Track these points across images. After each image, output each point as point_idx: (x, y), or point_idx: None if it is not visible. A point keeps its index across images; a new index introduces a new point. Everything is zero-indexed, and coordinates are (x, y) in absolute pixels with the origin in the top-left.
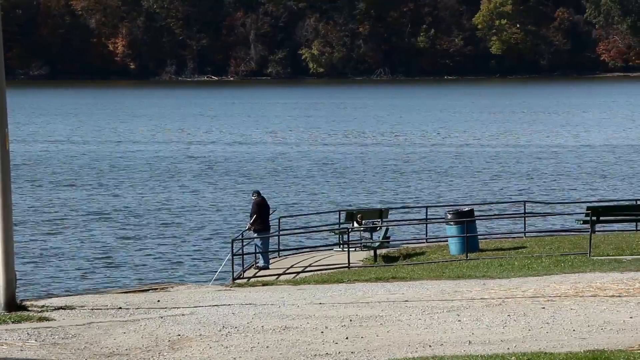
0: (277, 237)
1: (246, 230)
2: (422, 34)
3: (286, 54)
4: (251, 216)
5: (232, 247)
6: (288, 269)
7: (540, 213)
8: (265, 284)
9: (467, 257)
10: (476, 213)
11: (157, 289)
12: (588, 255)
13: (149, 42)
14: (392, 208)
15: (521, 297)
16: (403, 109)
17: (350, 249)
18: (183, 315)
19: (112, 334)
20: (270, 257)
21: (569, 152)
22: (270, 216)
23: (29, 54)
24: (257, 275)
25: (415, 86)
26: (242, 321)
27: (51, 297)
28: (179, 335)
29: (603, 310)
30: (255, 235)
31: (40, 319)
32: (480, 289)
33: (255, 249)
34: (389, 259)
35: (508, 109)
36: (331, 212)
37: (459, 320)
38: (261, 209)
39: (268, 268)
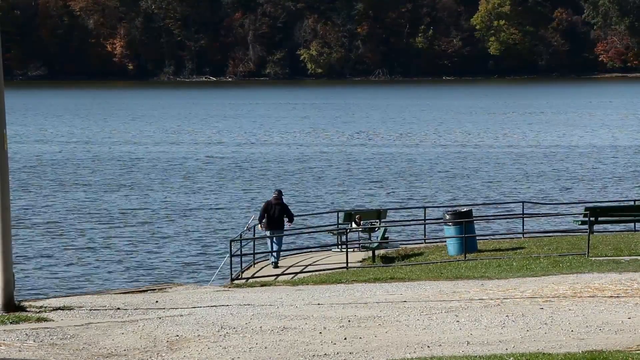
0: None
1: (258, 228)
2: (420, 35)
3: (284, 55)
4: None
5: (231, 247)
6: (286, 269)
7: (539, 214)
8: (263, 284)
9: (465, 257)
10: (474, 213)
11: (155, 289)
12: (586, 255)
13: (148, 42)
14: (390, 208)
15: (519, 297)
16: (401, 109)
17: (349, 250)
18: (181, 315)
19: (110, 334)
20: (269, 257)
21: (567, 152)
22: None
23: (27, 54)
24: (255, 275)
25: (414, 87)
26: (240, 322)
27: (49, 298)
28: (178, 335)
29: (601, 311)
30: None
31: (39, 320)
32: (478, 290)
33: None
34: (387, 260)
35: (506, 110)
36: (329, 212)
37: (458, 321)
38: (266, 209)
39: (276, 266)
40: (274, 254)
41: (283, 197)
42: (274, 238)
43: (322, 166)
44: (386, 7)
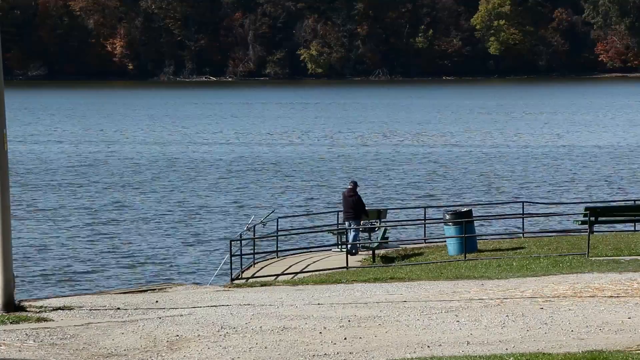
0: (275, 237)
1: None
2: (420, 35)
3: (284, 55)
4: None
5: (231, 247)
6: (286, 269)
7: (539, 213)
8: (263, 284)
9: (465, 257)
10: (475, 213)
11: (155, 289)
12: (586, 255)
13: (147, 42)
14: (390, 208)
15: (519, 297)
16: (401, 109)
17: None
18: (181, 315)
19: (110, 334)
20: (269, 257)
21: (567, 152)
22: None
23: (27, 54)
24: (255, 275)
25: (414, 87)
26: (240, 322)
27: (49, 298)
28: (178, 335)
29: (601, 311)
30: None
31: (39, 320)
32: (478, 290)
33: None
34: (387, 260)
35: (506, 110)
36: (330, 212)
37: (458, 321)
38: (343, 201)
39: (352, 253)
40: (366, 240)
41: (358, 188)
42: (354, 230)
43: (322, 166)
44: (386, 7)
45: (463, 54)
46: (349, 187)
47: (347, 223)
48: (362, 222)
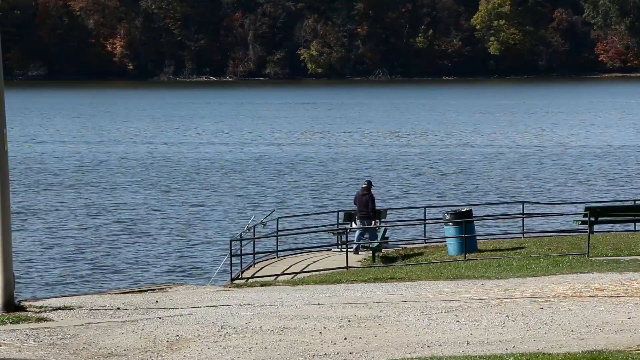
0: (275, 237)
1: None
2: (420, 35)
3: (284, 55)
4: None
5: (231, 247)
6: (286, 269)
7: (539, 213)
8: (263, 284)
9: (465, 257)
10: (474, 213)
11: (155, 289)
12: (586, 255)
13: (147, 42)
14: (390, 208)
15: (519, 297)
16: (401, 109)
17: (349, 250)
18: (181, 315)
19: (110, 334)
20: (269, 257)
21: (568, 152)
22: (369, 207)
23: (27, 54)
24: (255, 275)
25: (414, 87)
26: (240, 322)
27: (49, 298)
28: (178, 335)
29: (601, 311)
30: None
31: (39, 320)
32: (478, 290)
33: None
34: (387, 260)
35: (506, 110)
36: (330, 212)
37: (458, 321)
38: (355, 199)
39: (356, 253)
40: (366, 240)
41: (372, 187)
42: (364, 228)
43: (322, 166)
44: (386, 7)
45: (463, 54)
46: (363, 186)
47: (359, 222)
48: (372, 222)
